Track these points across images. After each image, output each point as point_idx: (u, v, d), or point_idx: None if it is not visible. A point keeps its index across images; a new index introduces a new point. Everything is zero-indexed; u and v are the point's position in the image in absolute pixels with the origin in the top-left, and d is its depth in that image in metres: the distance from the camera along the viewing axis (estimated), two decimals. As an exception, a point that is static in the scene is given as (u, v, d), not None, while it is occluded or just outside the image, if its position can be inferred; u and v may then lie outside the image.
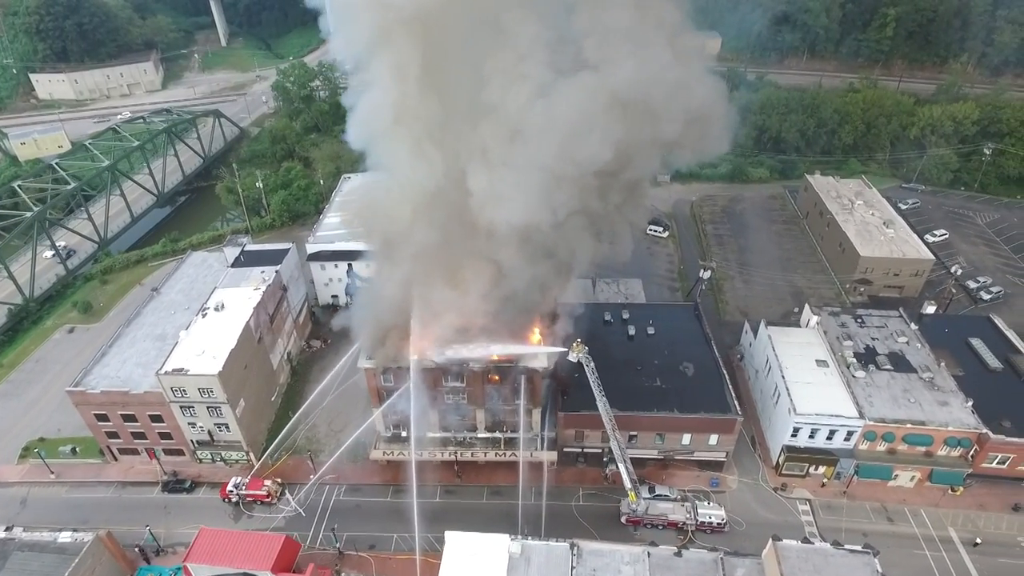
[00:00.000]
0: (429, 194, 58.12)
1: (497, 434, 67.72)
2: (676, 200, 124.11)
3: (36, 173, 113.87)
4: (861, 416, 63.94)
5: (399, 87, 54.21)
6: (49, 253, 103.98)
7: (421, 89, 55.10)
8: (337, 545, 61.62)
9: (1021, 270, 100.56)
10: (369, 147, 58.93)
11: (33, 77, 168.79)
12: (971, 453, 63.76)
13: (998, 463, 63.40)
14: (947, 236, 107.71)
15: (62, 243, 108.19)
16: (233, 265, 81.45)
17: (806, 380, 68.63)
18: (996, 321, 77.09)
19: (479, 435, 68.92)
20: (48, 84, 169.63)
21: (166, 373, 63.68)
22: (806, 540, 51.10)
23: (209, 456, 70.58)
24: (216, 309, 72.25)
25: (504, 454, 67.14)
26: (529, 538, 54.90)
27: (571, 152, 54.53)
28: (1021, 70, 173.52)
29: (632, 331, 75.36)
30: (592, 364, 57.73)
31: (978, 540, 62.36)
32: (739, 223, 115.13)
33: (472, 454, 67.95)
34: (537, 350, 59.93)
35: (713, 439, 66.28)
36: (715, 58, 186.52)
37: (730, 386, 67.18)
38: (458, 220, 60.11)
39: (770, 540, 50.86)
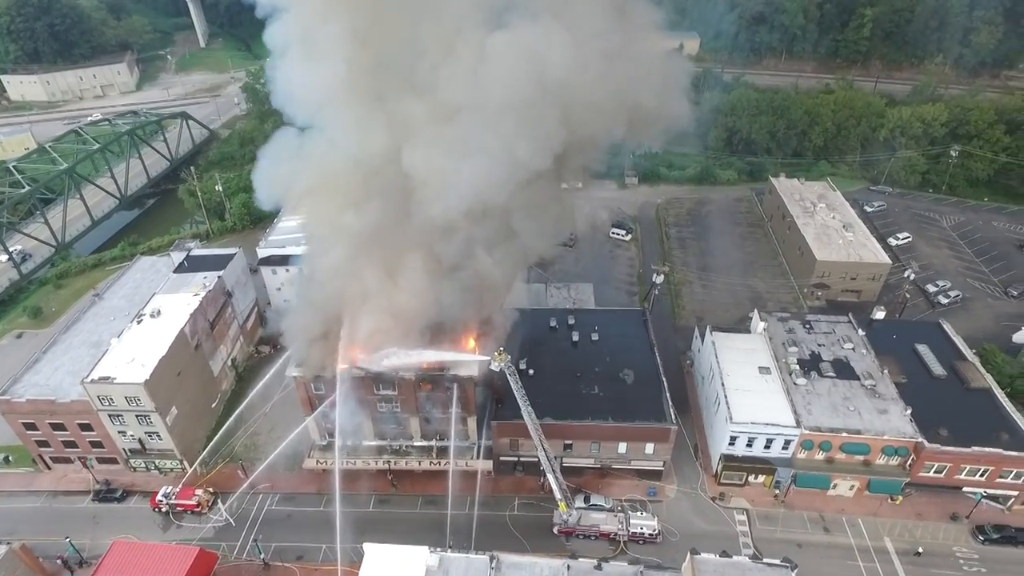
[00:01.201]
0: (367, 174, 56.45)
1: (431, 443, 66.83)
2: (643, 203, 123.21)
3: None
4: (798, 425, 63.04)
5: (336, 59, 52.28)
6: (3, 257, 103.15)
7: (358, 63, 53.12)
8: (262, 556, 60.72)
9: (982, 274, 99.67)
10: (310, 125, 57.45)
11: (4, 78, 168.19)
12: (908, 462, 62.84)
13: (935, 472, 62.50)
14: (910, 239, 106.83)
15: (18, 247, 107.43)
16: (176, 271, 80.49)
17: (746, 387, 67.74)
18: (945, 327, 76.16)
19: (415, 444, 68.16)
20: (20, 86, 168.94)
21: (92, 382, 62.81)
22: (724, 554, 50.16)
23: (143, 464, 69.67)
24: (152, 316, 71.36)
25: (438, 463, 66.23)
26: (450, 550, 54.14)
27: (508, 141, 52.98)
28: (998, 71, 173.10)
29: (576, 337, 74.46)
30: (516, 374, 56.63)
31: (920, 550, 61.50)
32: (703, 226, 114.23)
33: (407, 463, 67.06)
34: (461, 357, 59.02)
35: (649, 448, 65.35)
36: (692, 59, 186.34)
37: (668, 394, 66.23)
38: (394, 208, 58.42)
39: (688, 554, 50.04)
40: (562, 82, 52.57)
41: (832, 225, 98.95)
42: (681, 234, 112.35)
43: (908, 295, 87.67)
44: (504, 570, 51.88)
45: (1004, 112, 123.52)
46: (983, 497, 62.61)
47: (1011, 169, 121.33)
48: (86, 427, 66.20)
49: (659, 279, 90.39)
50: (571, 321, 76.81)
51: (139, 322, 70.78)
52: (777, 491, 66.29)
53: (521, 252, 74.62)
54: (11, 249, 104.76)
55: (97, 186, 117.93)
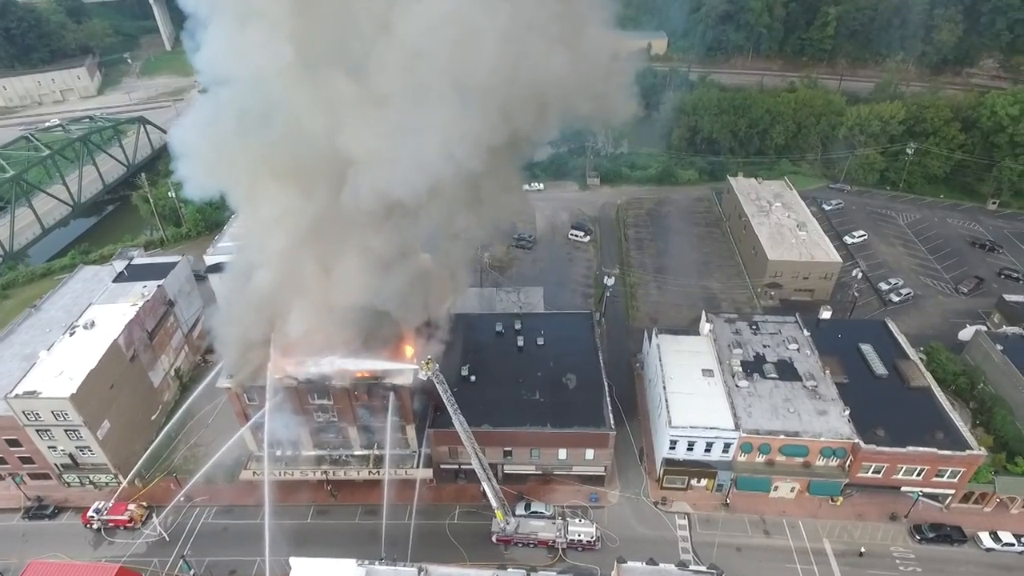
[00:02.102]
0: (303, 157, 54.74)
1: (371, 452, 65.88)
2: (604, 203, 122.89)
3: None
4: (737, 428, 62.77)
5: (271, 27, 48.91)
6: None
7: (294, 32, 49.72)
8: (192, 571, 59.50)
9: (935, 271, 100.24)
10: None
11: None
12: (847, 463, 62.78)
13: (873, 472, 62.48)
14: (866, 237, 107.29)
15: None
16: (116, 280, 79.02)
17: (688, 390, 67.42)
18: (890, 326, 76.29)
19: (355, 453, 67.16)
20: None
21: (16, 397, 61.26)
22: (651, 561, 49.77)
23: (76, 480, 68.16)
24: (85, 327, 69.83)
25: (376, 472, 65.26)
26: (379, 562, 53.33)
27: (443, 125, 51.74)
28: (960, 68, 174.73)
29: (521, 342, 73.77)
30: (444, 382, 55.76)
31: (863, 550, 61.46)
32: (662, 226, 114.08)
33: (345, 472, 66.06)
34: (386, 366, 57.90)
35: (589, 454, 64.84)
36: (660, 58, 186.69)
37: (609, 399, 65.75)
38: (331, 195, 56.95)
39: (615, 563, 49.56)
40: (497, 66, 51.48)
41: (786, 224, 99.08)
42: (639, 235, 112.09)
43: (857, 294, 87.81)
44: (433, 582, 51.26)
45: (960, 110, 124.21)
46: (920, 496, 62.64)
47: (967, 166, 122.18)
48: (14, 443, 64.65)
49: (610, 281, 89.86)
50: (517, 326, 76.12)
51: (71, 334, 69.23)
52: (720, 494, 66.01)
53: (466, 249, 74.35)
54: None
55: (48, 193, 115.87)
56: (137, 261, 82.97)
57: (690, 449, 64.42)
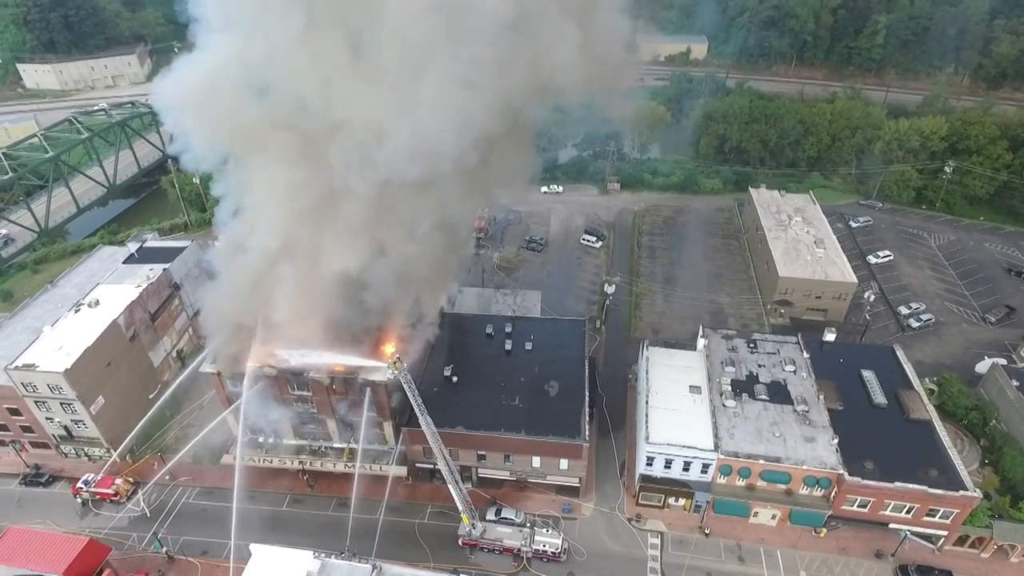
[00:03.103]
0: (301, 126, 54.88)
1: (344, 445, 66.50)
2: (622, 209, 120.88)
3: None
4: (716, 449, 60.71)
5: None
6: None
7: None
8: (165, 549, 61.26)
9: (962, 297, 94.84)
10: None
11: (20, 67, 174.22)
12: (832, 494, 59.95)
13: (859, 506, 59.45)
14: (891, 257, 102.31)
15: (3, 231, 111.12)
16: (126, 261, 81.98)
17: (672, 406, 65.67)
18: (898, 352, 72.42)
19: (334, 445, 67.94)
20: (34, 74, 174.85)
21: (15, 368, 64.22)
22: (602, 580, 48.58)
23: (72, 451, 71.08)
24: (90, 305, 72.68)
25: (350, 466, 65.77)
26: (335, 556, 53.75)
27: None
28: (1020, 83, 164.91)
29: (509, 346, 73.14)
30: (412, 383, 55.59)
31: (846, 585, 58.78)
32: (677, 236, 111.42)
33: (322, 464, 66.85)
34: (361, 362, 58.06)
35: (564, 464, 63.79)
36: (698, 63, 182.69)
37: (588, 410, 64.53)
38: (326, 171, 57.51)
39: (565, 578, 48.66)
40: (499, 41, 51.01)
41: (804, 240, 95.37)
42: (653, 243, 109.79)
43: (869, 317, 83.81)
44: (385, 580, 51.41)
45: (1009, 127, 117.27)
46: (908, 535, 59.31)
47: (1013, 188, 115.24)
48: (15, 412, 67.84)
49: (610, 289, 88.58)
50: (508, 329, 75.49)
51: (76, 311, 72.15)
52: (697, 515, 64.05)
53: (460, 245, 74.28)
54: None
55: (85, 175, 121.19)
56: (149, 244, 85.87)
57: (667, 467, 62.69)
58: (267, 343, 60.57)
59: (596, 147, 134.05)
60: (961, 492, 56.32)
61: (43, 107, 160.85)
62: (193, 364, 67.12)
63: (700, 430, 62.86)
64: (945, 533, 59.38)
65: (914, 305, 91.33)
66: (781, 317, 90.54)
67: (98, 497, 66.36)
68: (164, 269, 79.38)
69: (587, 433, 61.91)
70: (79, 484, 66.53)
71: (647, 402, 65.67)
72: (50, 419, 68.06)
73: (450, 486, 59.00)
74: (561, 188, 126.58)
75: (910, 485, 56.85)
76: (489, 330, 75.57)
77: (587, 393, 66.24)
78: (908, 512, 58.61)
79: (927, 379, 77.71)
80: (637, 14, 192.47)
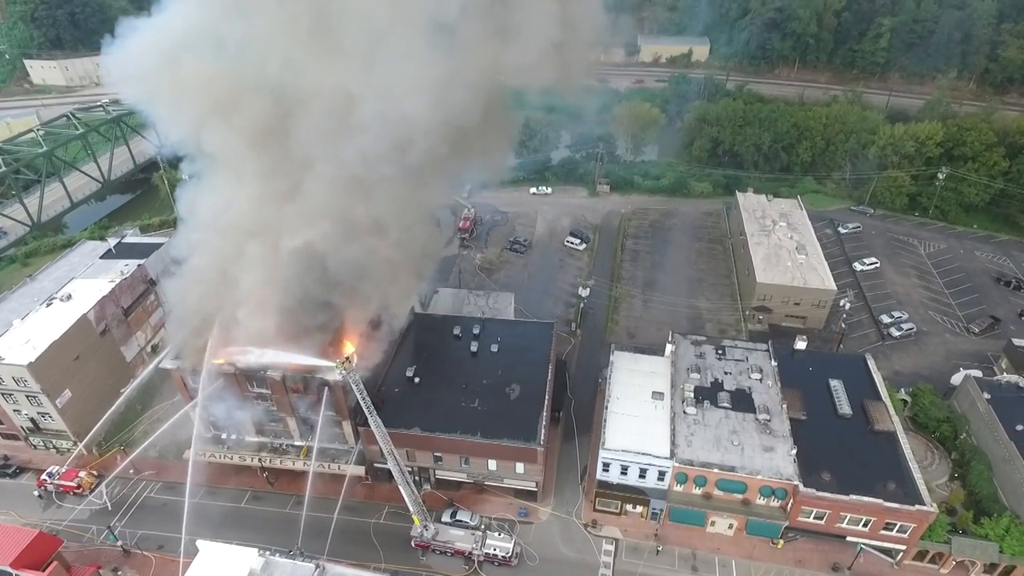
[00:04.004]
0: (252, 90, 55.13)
1: (302, 443, 66.73)
2: (609, 211, 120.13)
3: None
4: (671, 456, 60.02)
5: None
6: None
7: None
8: (120, 543, 61.87)
9: (947, 306, 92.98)
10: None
11: (27, 63, 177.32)
12: (789, 505, 59.00)
13: (815, 518, 58.42)
14: (878, 265, 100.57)
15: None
16: (103, 256, 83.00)
17: (632, 412, 65.02)
18: (868, 362, 71.12)
19: (294, 443, 68.21)
20: (41, 70, 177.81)
21: (-20, 360, 65.31)
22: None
23: (41, 443, 72.08)
24: (62, 299, 73.67)
25: (307, 463, 65.89)
26: (282, 554, 53.89)
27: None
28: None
29: (475, 348, 72.91)
30: (360, 383, 55.38)
31: (805, 597, 57.86)
32: (662, 239, 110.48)
33: (281, 462, 67.13)
34: (312, 362, 57.86)
35: (520, 467, 63.45)
36: (700, 64, 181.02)
37: (556, 413, 64.19)
38: (277, 142, 57.62)
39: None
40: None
41: (786, 246, 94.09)
42: (637, 246, 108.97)
43: (844, 325, 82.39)
44: (326, 580, 51.48)
45: (1007, 134, 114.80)
46: (863, 548, 58.21)
47: (1010, 196, 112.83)
48: (-17, 403, 68.97)
49: (584, 292, 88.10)
50: (476, 331, 75.28)
51: (48, 305, 73.19)
52: (655, 523, 63.42)
53: (429, 241, 74.38)
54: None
55: (78, 170, 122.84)
56: (128, 240, 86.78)
57: (624, 473, 62.05)
58: (225, 339, 61.01)
59: (588, 149, 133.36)
60: (917, 506, 55.11)
61: (47, 102, 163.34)
62: (156, 360, 67.72)
63: (658, 437, 62.18)
64: (904, 548, 58.18)
65: (896, 314, 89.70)
66: (759, 324, 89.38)
67: (62, 489, 67.19)
68: (139, 265, 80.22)
69: (542, 437, 61.48)
70: (44, 476, 67.48)
71: (607, 407, 65.11)
72: (17, 411, 69.10)
73: (401, 487, 58.88)
74: (550, 189, 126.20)
75: (865, 498, 55.76)
76: (457, 331, 75.39)
77: (547, 397, 65.84)
78: (865, 525, 57.50)
79: (903, 389, 76.51)
80: (640, 15, 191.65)
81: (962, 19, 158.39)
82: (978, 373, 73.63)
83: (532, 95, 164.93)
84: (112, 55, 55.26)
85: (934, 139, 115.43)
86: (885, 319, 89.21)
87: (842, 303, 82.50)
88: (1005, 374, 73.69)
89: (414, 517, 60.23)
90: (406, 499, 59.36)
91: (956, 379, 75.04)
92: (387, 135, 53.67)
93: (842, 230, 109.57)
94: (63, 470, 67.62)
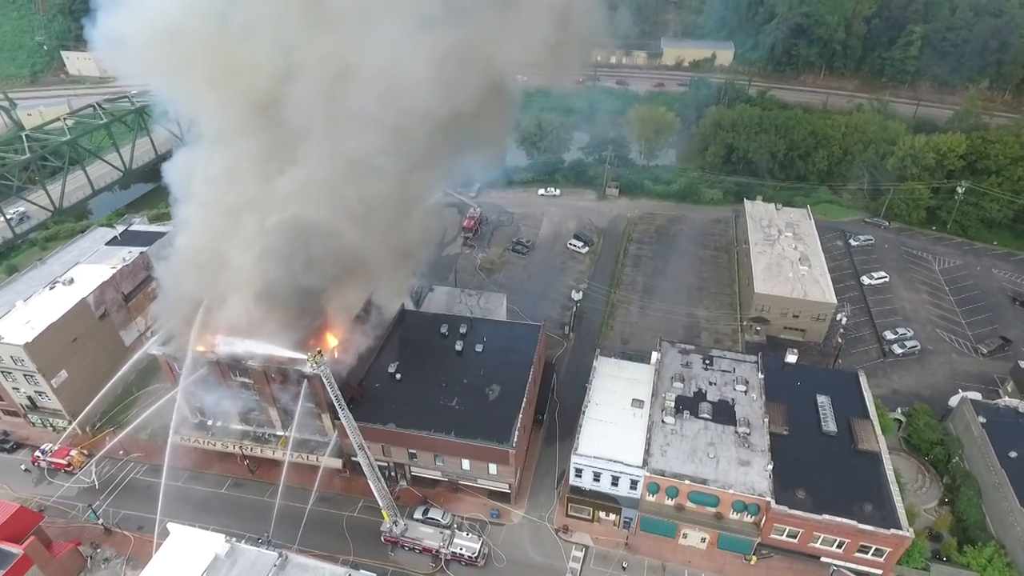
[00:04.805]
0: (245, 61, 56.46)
1: (283, 433, 67.71)
2: (617, 215, 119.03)
3: (8, 141, 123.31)
4: (644, 465, 59.25)
5: None
6: (9, 215, 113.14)
7: None
8: (101, 521, 63.67)
9: (957, 325, 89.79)
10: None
11: (64, 54, 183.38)
12: (762, 521, 57.73)
13: (788, 536, 57.05)
14: (887, 279, 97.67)
15: (21, 209, 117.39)
16: (109, 243, 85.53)
17: (610, 419, 64.45)
18: (860, 379, 69.07)
19: (276, 432, 69.28)
20: (77, 61, 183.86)
21: (-19, 339, 67.89)
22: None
23: (39, 421, 74.60)
24: (64, 283, 76.14)
25: (286, 453, 66.63)
26: (247, 541, 54.75)
27: None
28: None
29: (460, 347, 73.05)
30: (331, 378, 55.80)
31: (777, 617, 56.60)
32: (667, 245, 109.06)
33: (261, 450, 68.27)
34: (287, 353, 58.57)
35: (493, 468, 63.37)
36: (723, 69, 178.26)
37: (522, 415, 63.87)
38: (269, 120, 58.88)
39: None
40: None
41: (789, 256, 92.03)
42: (640, 251, 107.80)
43: (841, 340, 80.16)
44: (288, 570, 52.18)
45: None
46: (836, 570, 56.61)
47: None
48: (-16, 380, 71.71)
49: (577, 296, 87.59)
50: (463, 330, 75.42)
51: (51, 288, 75.71)
52: (627, 531, 62.71)
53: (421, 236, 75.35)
54: (13, 211, 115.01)
55: (100, 158, 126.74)
56: (134, 228, 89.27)
57: (596, 480, 61.53)
58: (209, 326, 62.33)
59: (600, 151, 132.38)
60: (893, 530, 53.35)
61: (79, 93, 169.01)
62: (146, 345, 69.51)
63: (633, 445, 61.47)
64: (880, 572, 56.40)
65: (901, 330, 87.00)
66: (757, 335, 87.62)
67: (53, 466, 69.45)
68: (141, 252, 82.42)
69: (515, 439, 61.29)
70: (37, 452, 69.84)
71: (583, 412, 64.62)
72: (16, 389, 71.65)
73: (371, 482, 59.22)
74: (558, 191, 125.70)
75: (838, 518, 54.20)
76: (444, 330, 75.67)
77: (525, 399, 65.63)
78: (839, 547, 55.92)
79: (899, 409, 74.38)
80: (664, 17, 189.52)
81: (998, 27, 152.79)
82: (976, 395, 70.92)
83: (547, 96, 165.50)
84: (106, 27, 55.93)
85: (957, 151, 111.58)
86: (888, 335, 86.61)
87: (839, 317, 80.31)
88: (1007, 398, 70.81)
89: (384, 512, 60.63)
90: (375, 494, 59.73)
91: (954, 401, 72.38)
92: (383, 106, 54.50)
93: (853, 242, 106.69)
94: (56, 448, 69.88)
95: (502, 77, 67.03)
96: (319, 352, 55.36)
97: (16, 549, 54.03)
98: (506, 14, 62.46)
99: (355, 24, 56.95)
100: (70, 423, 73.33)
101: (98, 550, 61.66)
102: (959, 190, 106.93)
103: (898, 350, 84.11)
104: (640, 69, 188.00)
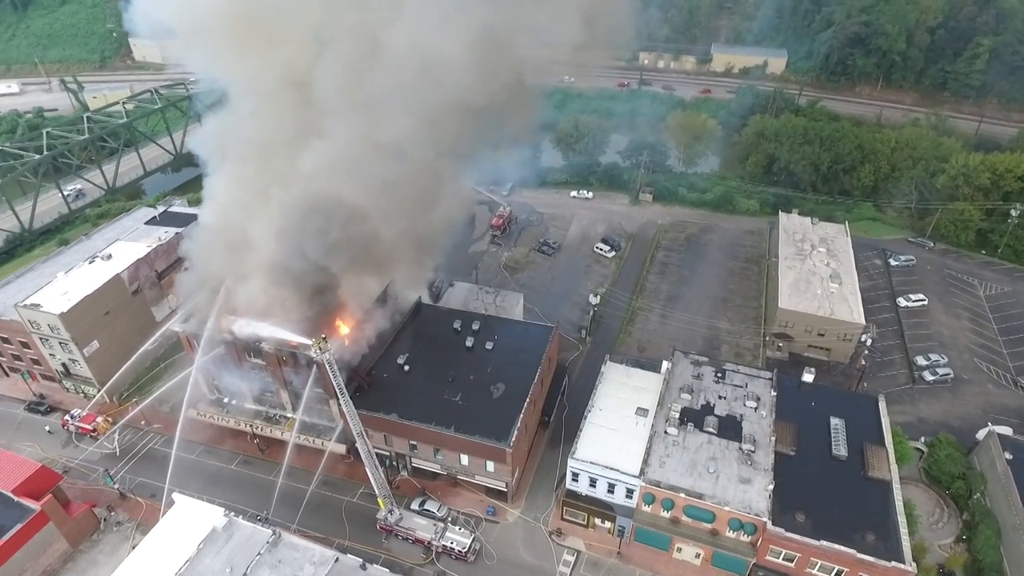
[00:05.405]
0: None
1: (290, 415, 69.54)
2: (647, 221, 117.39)
3: (72, 122, 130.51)
4: (640, 475, 58.44)
5: None
6: (66, 191, 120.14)
7: None
8: (116, 486, 66.85)
9: (998, 355, 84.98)
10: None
11: (132, 41, 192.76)
12: (758, 541, 56.13)
13: (784, 559, 55.29)
14: (925, 303, 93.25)
15: (78, 186, 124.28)
16: (148, 223, 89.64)
17: (612, 425, 63.78)
18: (880, 404, 66.20)
19: (287, 415, 71.26)
20: (142, 48, 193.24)
21: (24, 307, 72.11)
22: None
23: (72, 387, 78.84)
24: (102, 258, 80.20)
25: (291, 435, 68.31)
26: (245, 518, 56.58)
27: None
28: None
29: (470, 343, 73.50)
30: (335, 366, 56.95)
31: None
32: (696, 254, 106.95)
33: (271, 431, 70.33)
34: (292, 338, 60.15)
35: (490, 466, 63.62)
36: (774, 77, 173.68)
37: (523, 415, 63.82)
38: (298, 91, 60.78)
39: None
40: None
41: (819, 273, 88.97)
42: (668, 259, 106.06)
43: (865, 362, 77.01)
44: (279, 548, 53.79)
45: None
46: (831, 600, 54.58)
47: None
48: (25, 345, 76.15)
49: (595, 300, 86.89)
50: (475, 326, 75.85)
51: (91, 262, 79.87)
52: (621, 540, 61.96)
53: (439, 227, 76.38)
54: (71, 188, 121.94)
55: (153, 141, 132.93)
56: (173, 209, 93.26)
57: (592, 485, 61.04)
58: (228, 307, 64.68)
59: (637, 156, 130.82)
60: (894, 563, 51.07)
61: (142, 78, 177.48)
62: (170, 322, 72.61)
63: (632, 453, 60.69)
64: (879, 605, 54.10)
65: (934, 357, 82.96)
66: (779, 351, 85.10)
67: (80, 431, 73.31)
68: (176, 233, 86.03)
69: (513, 438, 61.35)
70: (67, 416, 73.85)
71: (585, 417, 64.17)
72: (52, 355, 75.93)
73: (368, 470, 60.34)
74: (591, 194, 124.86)
75: (836, 545, 52.24)
76: (457, 325, 76.30)
77: (528, 399, 65.57)
78: (836, 575, 53.86)
79: (923, 438, 71.19)
80: (716, 23, 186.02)
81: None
82: (1007, 430, 67.11)
83: (587, 98, 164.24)
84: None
85: (1015, 172, 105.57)
86: (920, 361, 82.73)
87: (864, 338, 77.20)
88: (1041, 436, 66.77)
89: (380, 500, 61.67)
90: (372, 481, 60.86)
91: (982, 434, 68.68)
92: (412, 88, 55.87)
93: (893, 262, 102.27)
94: (84, 413, 73.74)
95: (532, 68, 67.47)
96: (324, 338, 56.73)
97: (34, 505, 57.31)
98: (539, 6, 62.89)
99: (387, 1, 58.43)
100: (98, 391, 77.22)
101: (112, 513, 64.76)
102: (1013, 212, 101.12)
103: (929, 377, 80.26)
104: (688, 75, 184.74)
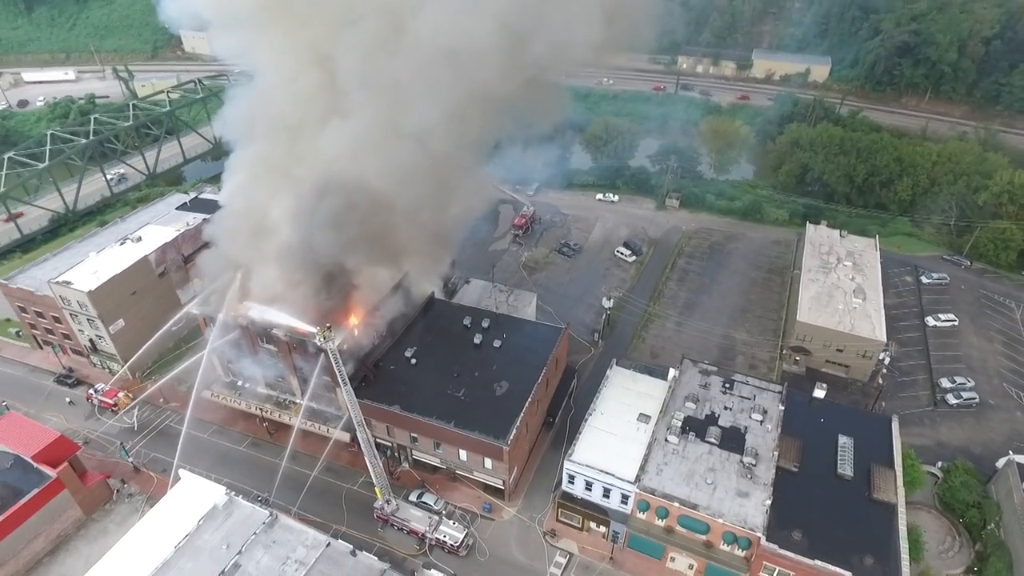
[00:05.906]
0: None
1: (299, 401, 71.12)
2: (672, 227, 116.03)
3: (119, 109, 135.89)
4: (635, 481, 57.94)
5: None
6: (109, 176, 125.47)
7: None
8: (131, 459, 69.54)
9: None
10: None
11: (183, 33, 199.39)
12: (752, 557, 55.05)
13: (778, 577, 54.17)
14: (956, 323, 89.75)
15: (121, 171, 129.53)
16: (179, 208, 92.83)
17: (612, 430, 63.43)
18: (893, 425, 64.08)
19: (296, 400, 72.92)
20: (193, 40, 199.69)
21: (56, 283, 75.63)
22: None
23: (99, 362, 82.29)
24: (133, 241, 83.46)
25: (296, 420, 69.74)
26: (246, 498, 58.15)
27: None
28: None
29: (478, 340, 73.93)
30: (338, 356, 57.97)
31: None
32: (718, 263, 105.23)
33: (279, 416, 72.07)
34: (299, 325, 61.47)
35: (488, 463, 63.92)
36: (816, 85, 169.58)
37: (524, 414, 63.91)
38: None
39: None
40: None
41: (843, 287, 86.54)
42: (689, 266, 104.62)
43: (882, 381, 74.57)
44: (275, 529, 55.08)
45: None
46: (826, 623, 53.05)
47: None
48: (57, 320, 79.82)
49: (608, 303, 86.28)
50: (485, 324, 76.24)
51: (122, 244, 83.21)
52: (614, 545, 61.54)
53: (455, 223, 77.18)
54: (113, 172, 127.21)
55: (194, 130, 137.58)
56: (204, 196, 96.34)
57: (588, 489, 60.80)
58: (244, 291, 66.67)
59: (666, 161, 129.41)
60: (890, 589, 49.53)
61: (189, 68, 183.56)
62: (188, 305, 75.10)
63: (629, 459, 60.20)
64: (875, 631, 52.43)
65: (959, 380, 79.81)
66: (795, 365, 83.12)
67: (103, 405, 76.49)
68: (204, 219, 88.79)
69: (511, 437, 61.53)
70: (91, 390, 77.15)
71: (586, 420, 63.94)
72: (81, 331, 79.40)
73: (367, 459, 61.24)
74: (616, 197, 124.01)
75: (830, 566, 50.84)
76: (467, 322, 76.81)
77: (530, 398, 65.64)
78: (831, 597, 52.45)
79: (939, 463, 68.72)
80: (759, 28, 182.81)
81: None
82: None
83: (620, 100, 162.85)
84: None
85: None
86: (944, 383, 79.70)
87: (882, 356, 74.76)
88: (1067, 468, 63.56)
89: (376, 490, 62.64)
90: (371, 471, 61.83)
91: (1002, 463, 65.80)
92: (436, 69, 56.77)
93: (924, 279, 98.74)
94: (106, 388, 76.91)
95: (555, 64, 67.47)
96: (328, 327, 57.98)
97: (51, 472, 60.05)
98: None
99: None
100: (122, 367, 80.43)
101: (125, 485, 67.29)
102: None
103: (952, 400, 77.28)
104: (727, 80, 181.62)
